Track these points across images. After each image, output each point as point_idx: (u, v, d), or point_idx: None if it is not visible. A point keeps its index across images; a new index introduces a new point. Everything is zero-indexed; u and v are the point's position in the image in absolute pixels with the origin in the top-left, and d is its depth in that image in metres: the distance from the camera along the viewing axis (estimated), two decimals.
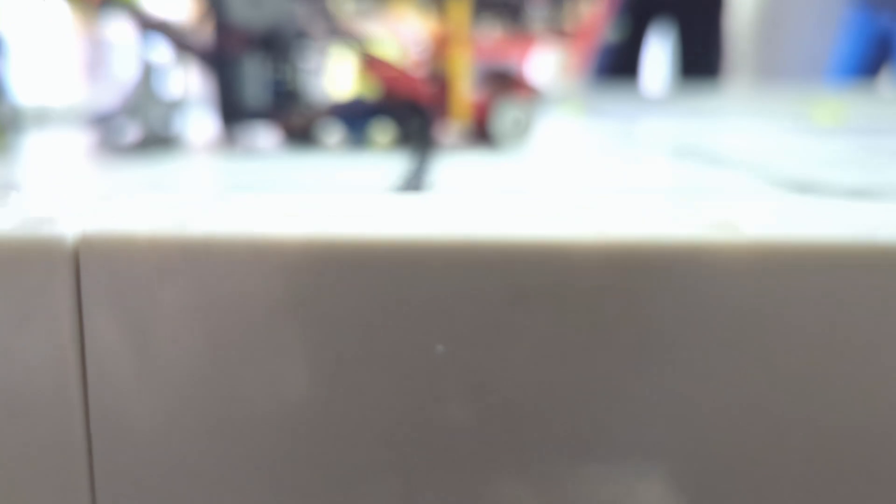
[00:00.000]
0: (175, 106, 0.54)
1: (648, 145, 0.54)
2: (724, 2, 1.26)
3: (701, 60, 1.30)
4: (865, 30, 1.39)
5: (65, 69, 1.58)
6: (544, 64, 1.40)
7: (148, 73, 0.49)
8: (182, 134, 0.55)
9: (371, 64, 0.48)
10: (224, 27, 0.46)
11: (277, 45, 0.47)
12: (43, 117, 0.76)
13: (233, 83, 0.47)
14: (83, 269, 0.16)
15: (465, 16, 0.49)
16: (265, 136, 0.53)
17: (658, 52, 1.40)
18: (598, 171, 0.39)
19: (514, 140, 0.50)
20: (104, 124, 0.51)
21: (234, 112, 0.48)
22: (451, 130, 0.51)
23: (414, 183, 0.33)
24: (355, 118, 0.50)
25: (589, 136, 0.60)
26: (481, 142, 0.51)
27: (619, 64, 1.34)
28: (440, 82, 0.49)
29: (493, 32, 0.61)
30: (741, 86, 1.55)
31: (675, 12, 1.26)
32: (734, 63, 1.66)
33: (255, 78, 0.46)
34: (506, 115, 0.49)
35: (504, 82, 0.51)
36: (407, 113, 0.50)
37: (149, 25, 0.49)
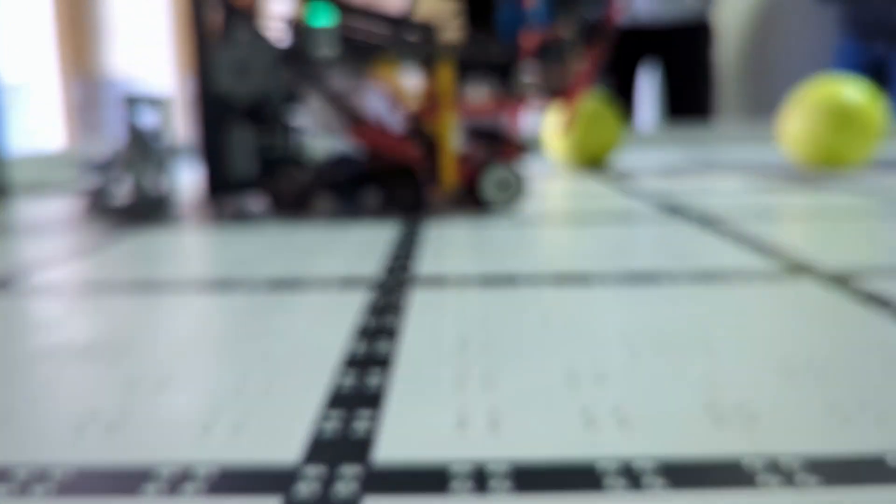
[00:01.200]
0: (165, 164, 0.53)
1: (639, 198, 0.53)
2: (710, 41, 1.27)
3: (689, 99, 1.30)
4: (859, 59, 1.40)
5: (56, 114, 1.58)
6: (534, 122, 1.42)
7: (137, 136, 0.49)
8: (172, 193, 0.54)
9: (359, 128, 0.48)
10: (211, 98, 0.46)
11: (264, 113, 0.47)
12: (36, 167, 0.76)
13: (220, 153, 0.47)
14: None
15: (451, 79, 0.49)
16: (256, 203, 0.53)
17: (646, 92, 1.42)
18: (589, 252, 0.39)
19: (505, 203, 0.49)
20: (95, 189, 0.51)
21: (221, 182, 0.48)
22: (441, 193, 0.51)
23: (396, 278, 0.32)
24: (345, 184, 0.49)
25: (583, 187, 0.60)
26: (472, 205, 0.51)
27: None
28: (428, 144, 0.49)
29: (481, 93, 0.61)
30: (730, 122, 1.56)
31: (662, 53, 1.27)
32: (722, 99, 1.67)
33: (242, 146, 0.46)
34: (494, 179, 0.49)
35: (493, 143, 0.51)
36: (396, 177, 0.50)
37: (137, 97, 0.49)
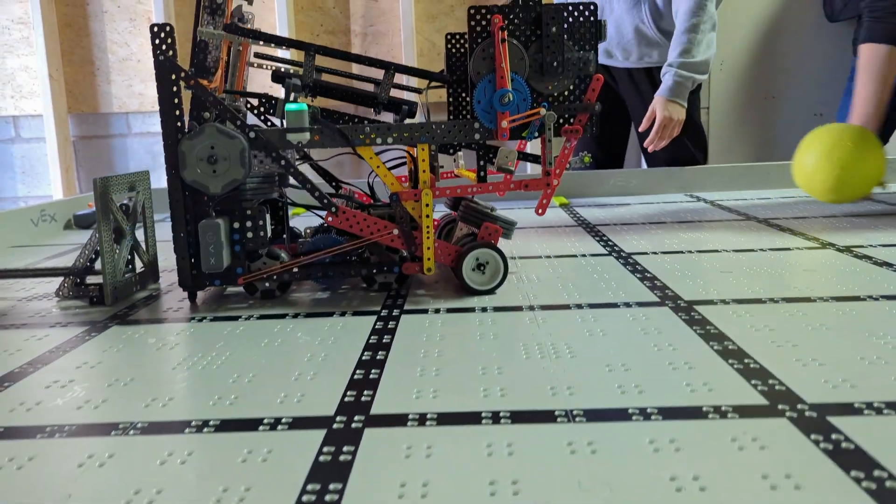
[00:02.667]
0: (138, 247, 0.53)
1: (630, 246, 0.52)
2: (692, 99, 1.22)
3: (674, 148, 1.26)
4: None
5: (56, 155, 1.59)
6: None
7: (110, 234, 0.49)
8: (145, 284, 0.54)
9: (339, 213, 0.47)
10: (183, 188, 0.45)
11: (236, 206, 0.46)
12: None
13: (194, 246, 0.46)
14: None
15: (428, 159, 0.48)
16: (236, 291, 0.51)
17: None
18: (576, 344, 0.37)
19: (487, 284, 0.48)
20: (71, 267, 0.50)
21: (193, 273, 0.47)
22: (422, 274, 0.49)
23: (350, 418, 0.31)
24: (324, 271, 0.48)
25: (573, 245, 0.58)
26: (458, 284, 0.49)
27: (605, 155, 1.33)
28: (409, 225, 0.48)
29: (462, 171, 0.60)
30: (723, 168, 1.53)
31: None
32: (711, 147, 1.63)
33: (212, 237, 0.45)
34: (473, 262, 0.48)
35: (475, 223, 0.50)
36: (376, 259, 0.49)
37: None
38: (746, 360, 0.33)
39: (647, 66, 1.24)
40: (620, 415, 0.28)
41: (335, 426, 0.28)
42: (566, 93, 0.49)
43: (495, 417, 0.28)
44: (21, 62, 1.61)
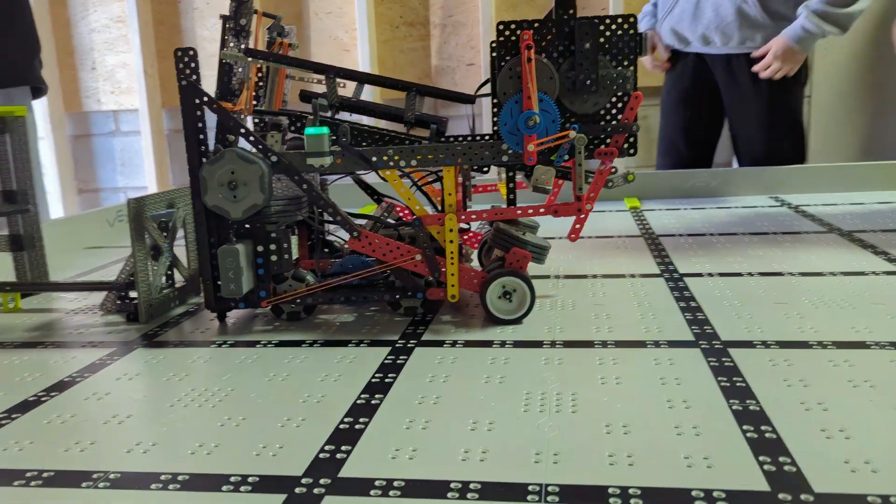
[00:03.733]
0: (175, 265, 0.54)
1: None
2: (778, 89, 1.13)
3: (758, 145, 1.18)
4: None
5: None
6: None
7: (145, 253, 0.50)
8: (185, 299, 0.54)
9: (361, 236, 0.46)
10: (207, 213, 0.46)
11: (260, 230, 0.46)
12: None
13: (218, 270, 0.46)
14: None
15: (454, 184, 0.46)
16: (263, 313, 0.51)
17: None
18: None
19: (513, 313, 0.46)
20: (116, 282, 0.52)
21: (218, 296, 0.47)
22: (447, 300, 0.48)
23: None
24: (347, 296, 0.47)
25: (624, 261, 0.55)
26: (483, 310, 0.47)
27: (687, 154, 1.26)
28: (432, 250, 0.46)
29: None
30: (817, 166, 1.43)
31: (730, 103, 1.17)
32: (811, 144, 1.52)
33: (233, 262, 0.44)
34: (499, 290, 0.46)
35: (505, 247, 0.48)
36: (402, 285, 0.48)
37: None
38: (763, 427, 0.30)
39: (747, 52, 1.16)
40: (598, 495, 0.26)
41: (297, 490, 0.27)
42: (602, 111, 0.46)
43: (464, 490, 0.26)
44: (120, 59, 1.69)
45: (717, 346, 0.40)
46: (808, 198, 0.95)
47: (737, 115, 1.19)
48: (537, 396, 0.34)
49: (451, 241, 0.46)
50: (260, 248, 0.46)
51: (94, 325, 0.50)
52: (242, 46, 0.48)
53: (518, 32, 0.44)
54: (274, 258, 0.47)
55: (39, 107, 1.66)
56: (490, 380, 0.37)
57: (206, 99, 0.45)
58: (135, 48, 1.62)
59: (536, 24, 0.45)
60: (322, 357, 0.42)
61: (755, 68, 1.10)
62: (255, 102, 0.56)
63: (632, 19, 0.45)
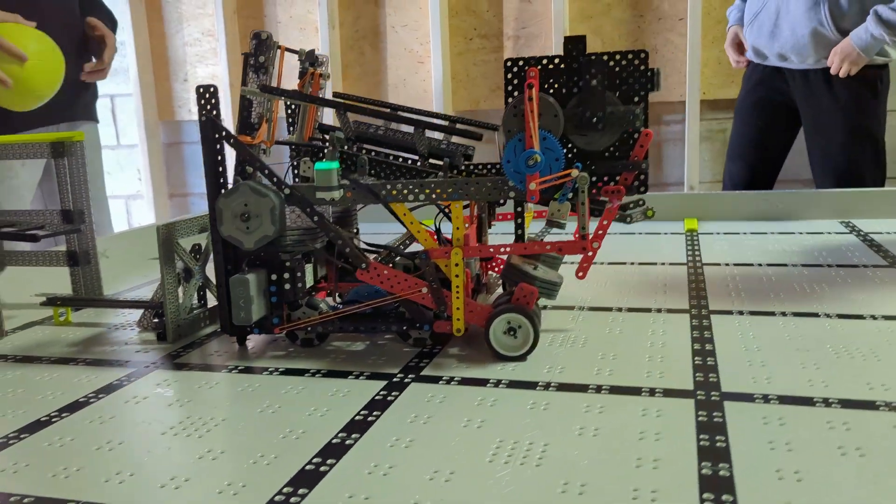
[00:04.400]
0: (203, 287, 0.56)
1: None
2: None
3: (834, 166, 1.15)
4: None
5: None
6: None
7: (174, 277, 0.52)
8: (206, 323, 0.57)
9: (371, 269, 0.47)
10: (223, 242, 0.48)
11: (275, 259, 0.47)
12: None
13: (230, 297, 0.48)
14: None
15: (461, 217, 0.46)
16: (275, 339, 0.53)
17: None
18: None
19: (515, 350, 0.46)
20: (153, 300, 0.55)
21: (234, 325, 0.49)
22: (453, 335, 0.48)
23: None
24: (355, 326, 0.48)
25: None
26: (484, 352, 0.47)
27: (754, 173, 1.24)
28: (438, 283, 0.47)
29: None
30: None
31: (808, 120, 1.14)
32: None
33: (243, 291, 0.46)
34: (504, 326, 0.46)
35: (514, 282, 0.47)
36: (410, 316, 0.48)
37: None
38: (725, 497, 0.29)
39: (824, 68, 1.12)
40: None
41: None
42: (612, 149, 0.45)
43: None
44: (209, 71, 1.78)
45: (713, 399, 0.38)
46: (882, 224, 0.89)
47: (813, 130, 1.15)
48: (508, 445, 0.34)
49: (458, 276, 0.46)
50: (274, 277, 0.48)
51: (127, 343, 0.53)
52: (259, 82, 0.49)
53: (525, 69, 0.44)
54: (287, 286, 0.48)
55: (135, 116, 1.76)
56: (469, 424, 0.37)
57: (224, 133, 0.47)
58: (222, 61, 1.70)
59: (545, 61, 0.44)
60: (319, 388, 0.43)
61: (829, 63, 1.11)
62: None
63: (643, 55, 0.43)
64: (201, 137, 0.47)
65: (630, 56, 0.44)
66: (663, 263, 0.72)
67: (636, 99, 0.44)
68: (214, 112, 0.47)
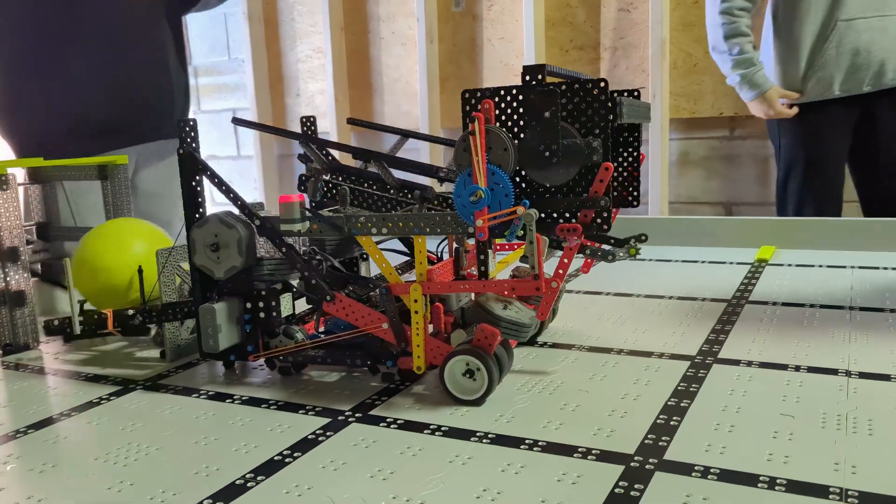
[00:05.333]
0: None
1: None
2: None
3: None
4: None
5: None
6: None
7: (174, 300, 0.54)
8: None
9: (336, 301, 0.47)
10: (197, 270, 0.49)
11: (249, 288, 0.48)
12: None
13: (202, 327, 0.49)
14: None
15: (424, 252, 0.45)
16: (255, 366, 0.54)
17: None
18: None
19: (471, 394, 0.44)
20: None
21: (209, 353, 0.50)
22: (412, 371, 0.46)
23: None
24: (323, 358, 0.48)
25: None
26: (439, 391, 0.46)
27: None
28: (398, 319, 0.46)
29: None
30: None
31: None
32: None
33: (212, 323, 0.47)
34: (462, 367, 0.44)
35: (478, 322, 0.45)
36: (375, 350, 0.48)
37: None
38: None
39: None
40: None
41: None
42: (572, 184, 0.42)
43: None
44: (319, 86, 1.85)
45: (647, 467, 0.35)
46: None
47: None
48: (402, 502, 0.33)
49: (417, 312, 0.45)
50: (249, 305, 0.49)
51: (135, 360, 0.56)
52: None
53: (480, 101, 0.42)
54: (262, 315, 0.49)
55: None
56: (377, 475, 0.36)
57: (201, 167, 0.48)
58: (328, 76, 1.76)
59: (502, 92, 0.42)
60: (265, 422, 0.43)
61: None
62: None
63: (602, 84, 0.40)
64: (180, 171, 0.49)
65: (589, 85, 0.41)
66: (703, 299, 0.67)
67: (597, 131, 0.41)
68: (194, 144, 0.49)
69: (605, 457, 0.36)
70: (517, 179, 0.43)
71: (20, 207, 0.59)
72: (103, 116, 1.05)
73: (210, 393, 0.48)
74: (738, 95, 1.26)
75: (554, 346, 0.54)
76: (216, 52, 2.01)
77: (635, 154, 0.54)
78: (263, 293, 0.49)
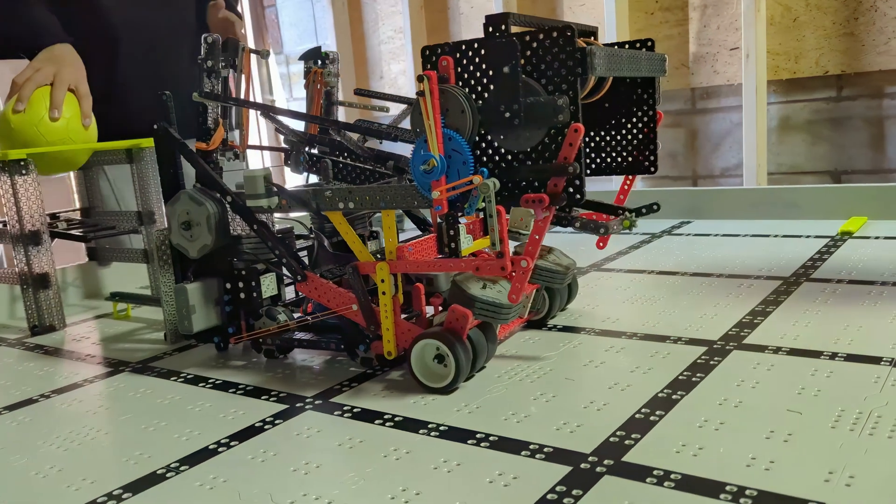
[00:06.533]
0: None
1: None
2: None
3: None
4: None
5: None
6: None
7: (171, 285, 0.54)
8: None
9: (309, 281, 0.44)
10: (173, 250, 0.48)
11: (227, 268, 0.46)
12: None
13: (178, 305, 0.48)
14: None
15: (393, 228, 0.41)
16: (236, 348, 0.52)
17: None
18: None
19: (438, 382, 0.40)
20: None
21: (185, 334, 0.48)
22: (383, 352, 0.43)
23: None
24: (300, 343, 0.46)
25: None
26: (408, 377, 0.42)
27: None
28: (367, 300, 0.42)
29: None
30: None
31: None
32: None
33: (185, 304, 0.46)
34: (431, 352, 0.40)
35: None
36: (350, 333, 0.44)
37: None
38: None
39: None
40: None
41: None
42: (541, 149, 0.37)
43: None
44: (401, 67, 1.83)
45: (597, 470, 0.30)
46: None
47: None
48: (308, 502, 0.30)
49: (385, 293, 0.41)
50: (228, 286, 0.47)
51: (140, 342, 0.56)
52: (212, 87, 0.48)
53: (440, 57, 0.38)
54: (242, 296, 0.47)
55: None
56: (297, 470, 0.33)
57: (177, 142, 0.47)
58: (408, 56, 1.74)
59: (463, 47, 0.38)
60: (222, 408, 0.41)
61: None
62: None
63: (569, 32, 0.35)
64: (155, 146, 0.47)
65: (555, 34, 0.35)
66: (757, 276, 0.59)
67: (564, 86, 0.35)
68: (167, 120, 0.47)
69: (556, 456, 0.31)
70: (484, 146, 0.38)
71: (40, 193, 0.60)
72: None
73: (189, 376, 0.47)
74: (845, 50, 1.12)
75: (564, 329, 0.49)
76: (305, 38, 2.03)
77: (651, 113, 0.48)
78: (243, 273, 0.47)
